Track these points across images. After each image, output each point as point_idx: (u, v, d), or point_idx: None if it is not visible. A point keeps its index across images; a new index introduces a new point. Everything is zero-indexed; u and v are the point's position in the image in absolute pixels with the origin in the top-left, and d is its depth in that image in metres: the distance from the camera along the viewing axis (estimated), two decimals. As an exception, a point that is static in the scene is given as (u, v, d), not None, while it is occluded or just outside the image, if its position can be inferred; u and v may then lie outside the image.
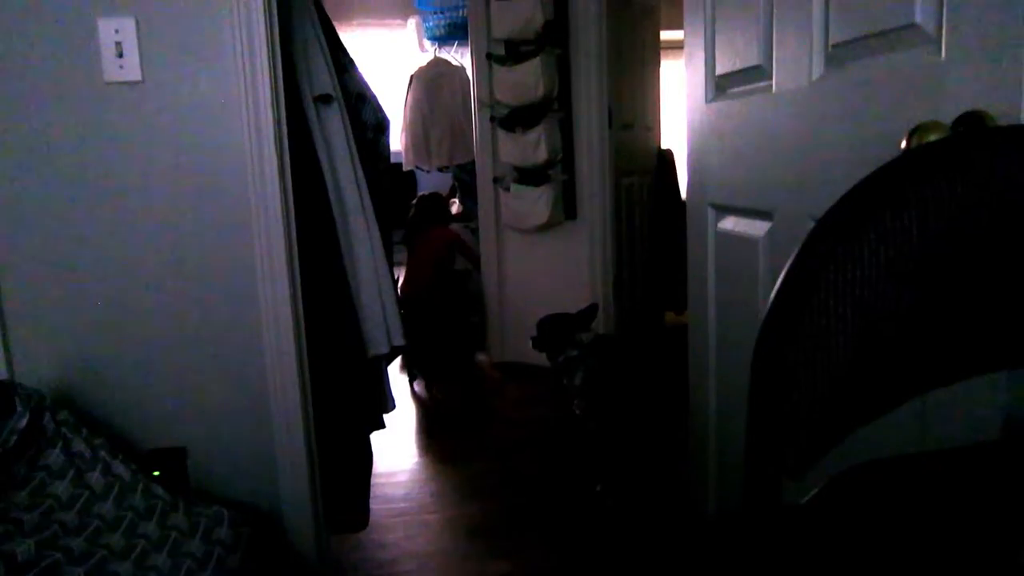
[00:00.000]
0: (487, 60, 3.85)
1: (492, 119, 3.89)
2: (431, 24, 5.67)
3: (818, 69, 1.30)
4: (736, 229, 1.66)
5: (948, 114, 0.95)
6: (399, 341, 2.09)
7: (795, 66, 1.35)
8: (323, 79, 1.92)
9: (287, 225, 1.74)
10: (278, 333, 1.75)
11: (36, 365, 1.71)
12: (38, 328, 1.71)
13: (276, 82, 1.70)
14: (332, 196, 1.92)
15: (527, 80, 3.60)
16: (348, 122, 1.99)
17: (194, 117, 1.69)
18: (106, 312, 1.72)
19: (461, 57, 5.47)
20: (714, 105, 1.72)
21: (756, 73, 1.51)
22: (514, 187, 3.84)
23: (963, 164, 0.63)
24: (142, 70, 1.65)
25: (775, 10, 1.41)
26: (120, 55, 1.63)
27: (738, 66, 1.59)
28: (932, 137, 0.92)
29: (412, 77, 5.45)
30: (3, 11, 1.60)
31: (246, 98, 1.66)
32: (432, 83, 5.35)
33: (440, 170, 5.60)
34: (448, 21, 5.61)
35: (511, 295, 4.10)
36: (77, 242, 1.69)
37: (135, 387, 1.75)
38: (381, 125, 2.24)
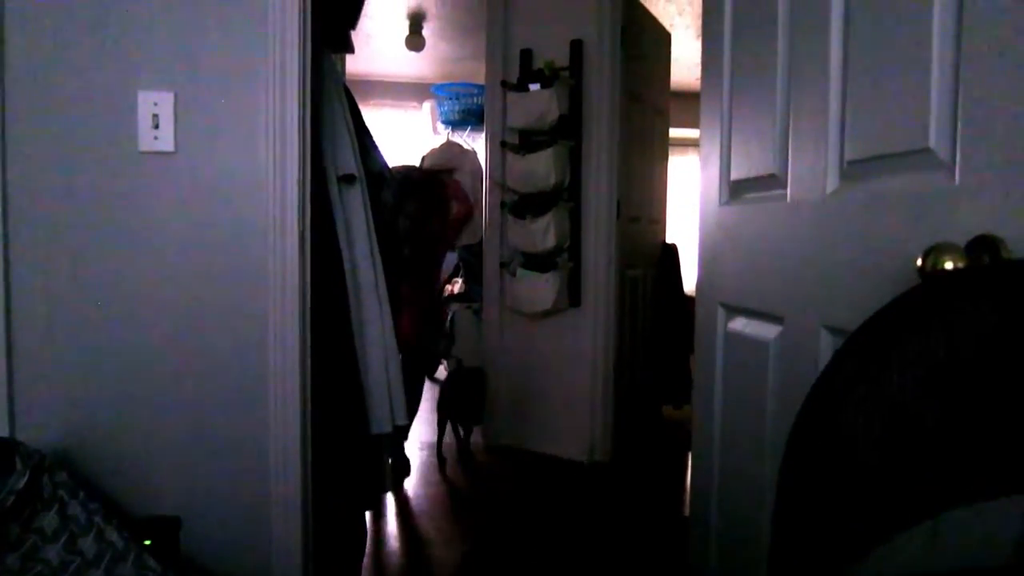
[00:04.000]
0: (501, 148, 3.96)
1: (503, 204, 3.96)
2: (446, 109, 5.85)
3: (833, 183, 1.34)
4: (746, 331, 1.68)
5: (961, 237, 0.98)
6: (403, 420, 2.08)
7: (810, 178, 1.40)
8: (348, 159, 1.98)
9: (303, 303, 1.76)
10: (285, 414, 1.75)
11: (38, 424, 1.70)
12: (45, 388, 1.71)
13: (304, 163, 1.74)
14: (348, 274, 1.95)
15: (539, 169, 3.69)
16: (368, 202, 2.04)
17: (221, 190, 1.73)
18: (115, 376, 1.72)
19: (472, 142, 5.61)
20: (728, 208, 1.77)
21: (771, 181, 1.55)
22: (520, 272, 3.89)
23: (988, 292, 0.65)
24: (175, 142, 1.71)
25: (792, 123, 1.47)
26: (156, 126, 1.69)
27: (753, 173, 1.64)
28: (947, 259, 0.94)
29: (423, 158, 5.57)
30: (55, 74, 1.66)
31: (274, 176, 1.71)
32: (443, 165, 5.47)
33: (445, 250, 5.66)
34: (462, 107, 5.79)
35: (511, 379, 4.09)
36: (95, 305, 1.71)
37: (135, 453, 1.74)
38: (399, 206, 2.29)
